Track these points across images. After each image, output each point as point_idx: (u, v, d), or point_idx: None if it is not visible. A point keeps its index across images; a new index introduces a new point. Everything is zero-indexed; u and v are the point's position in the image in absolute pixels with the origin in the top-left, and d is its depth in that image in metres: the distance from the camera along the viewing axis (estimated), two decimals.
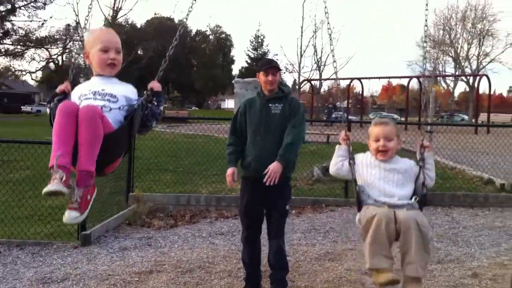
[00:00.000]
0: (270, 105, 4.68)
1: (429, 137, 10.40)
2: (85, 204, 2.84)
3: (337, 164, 3.72)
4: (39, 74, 63.11)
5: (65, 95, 3.14)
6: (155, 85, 3.27)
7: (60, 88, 3.15)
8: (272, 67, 4.70)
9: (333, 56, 4.16)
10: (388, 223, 3.23)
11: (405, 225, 3.24)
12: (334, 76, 35.55)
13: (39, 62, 54.45)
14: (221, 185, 9.78)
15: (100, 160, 2.85)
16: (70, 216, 2.77)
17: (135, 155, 8.95)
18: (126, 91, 3.17)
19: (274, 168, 4.44)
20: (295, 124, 4.61)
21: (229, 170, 4.71)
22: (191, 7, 3.89)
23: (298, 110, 4.70)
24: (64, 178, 2.65)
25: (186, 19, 4.08)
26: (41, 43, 50.00)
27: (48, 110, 3.14)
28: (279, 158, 4.47)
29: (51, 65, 58.51)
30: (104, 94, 3.06)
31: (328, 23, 4.13)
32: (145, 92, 3.21)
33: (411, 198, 3.51)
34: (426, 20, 3.95)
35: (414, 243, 3.23)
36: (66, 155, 2.72)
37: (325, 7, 4.21)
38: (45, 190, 2.62)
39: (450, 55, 60.16)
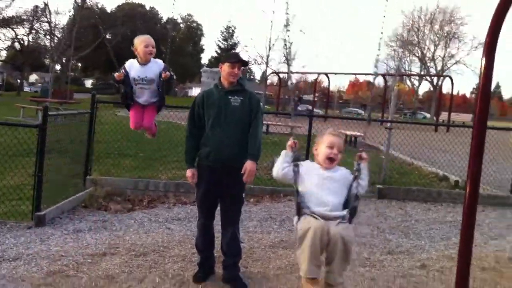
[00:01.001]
0: (230, 97, 4.73)
1: (389, 133, 10.57)
2: (154, 135, 5.63)
3: (283, 169, 3.88)
4: (4, 53, 61.73)
5: (124, 78, 4.92)
6: (165, 75, 4.92)
7: (118, 77, 4.93)
8: (240, 61, 4.78)
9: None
10: (322, 236, 3.51)
11: (333, 241, 3.53)
12: (302, 70, 35.75)
13: (4, 42, 53.30)
14: (181, 172, 9.76)
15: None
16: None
17: (95, 139, 8.86)
18: (158, 69, 4.95)
19: (250, 167, 4.61)
20: (258, 121, 4.76)
21: (189, 172, 4.83)
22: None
23: (259, 106, 4.85)
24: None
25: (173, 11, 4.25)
26: (7, 22, 48.86)
27: (122, 91, 5.09)
28: (252, 158, 4.64)
29: (16, 45, 57.24)
30: (148, 80, 4.95)
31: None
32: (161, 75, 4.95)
33: (343, 209, 3.76)
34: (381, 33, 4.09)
35: (337, 257, 3.57)
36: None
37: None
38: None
39: (417, 55, 61.13)
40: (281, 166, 3.89)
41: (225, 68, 4.76)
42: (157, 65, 5.01)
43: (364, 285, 5.01)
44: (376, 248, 6.31)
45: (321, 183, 3.77)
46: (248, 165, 4.60)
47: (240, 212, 4.96)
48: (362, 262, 5.71)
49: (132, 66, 4.99)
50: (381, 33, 4.25)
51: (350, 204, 3.77)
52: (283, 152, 3.95)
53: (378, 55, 4.31)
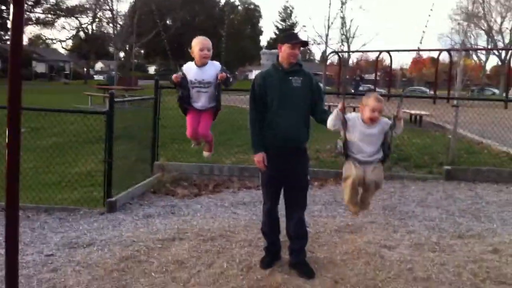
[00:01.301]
0: (290, 77, 4.69)
1: (455, 110, 10.25)
2: (211, 147, 5.51)
3: (334, 125, 4.52)
4: (69, 42, 63.72)
5: (181, 80, 4.88)
6: (221, 76, 4.81)
7: (174, 79, 4.90)
8: (300, 42, 4.73)
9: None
10: (358, 183, 4.50)
11: (367, 184, 4.51)
12: (362, 49, 35.12)
13: (69, 31, 55.18)
14: (244, 156, 9.86)
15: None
16: (206, 155, 5.60)
17: (160, 124, 9.04)
18: (215, 72, 4.85)
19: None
20: (321, 97, 4.88)
21: (258, 156, 4.75)
22: None
23: (319, 87, 4.90)
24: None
25: None
26: (71, 12, 50.40)
27: (179, 93, 4.99)
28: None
29: (81, 34, 58.99)
30: (204, 83, 4.86)
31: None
32: (218, 80, 4.87)
33: (378, 154, 4.57)
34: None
35: (371, 194, 4.70)
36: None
37: None
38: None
39: (483, 28, 58.83)
40: (333, 123, 4.51)
41: (285, 49, 4.69)
42: (214, 67, 4.91)
43: (433, 271, 4.90)
44: (445, 232, 6.16)
45: (362, 138, 4.49)
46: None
47: (306, 196, 4.95)
48: (431, 246, 5.59)
49: (189, 69, 4.94)
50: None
51: (384, 151, 4.58)
52: (335, 111, 4.48)
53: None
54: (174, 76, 4.90)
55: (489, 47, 57.98)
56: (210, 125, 5.12)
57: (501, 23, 58.25)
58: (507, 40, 57.98)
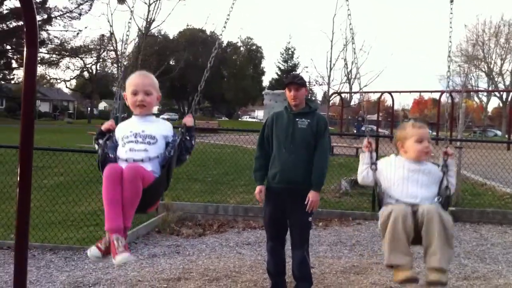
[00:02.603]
0: (297, 119, 4.80)
1: (459, 152, 10.32)
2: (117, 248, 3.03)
3: (362, 172, 3.70)
4: (73, 82, 64.43)
5: (110, 132, 3.40)
6: (187, 120, 3.50)
7: (105, 126, 3.42)
8: (292, 83, 4.83)
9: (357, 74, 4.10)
10: (405, 219, 3.18)
11: (428, 216, 3.16)
12: (364, 90, 35.48)
13: (73, 71, 55.90)
14: (249, 196, 9.88)
15: (142, 204, 3.13)
16: (122, 258, 3.01)
17: None
18: (164, 129, 3.38)
19: (314, 198, 4.69)
20: (323, 145, 4.79)
21: (257, 189, 4.92)
22: (226, 23, 4.06)
23: (325, 129, 4.86)
24: (124, 243, 3.04)
25: (221, 34, 4.32)
26: (75, 52, 51.15)
27: (96, 147, 3.39)
28: (315, 188, 4.71)
29: (85, 73, 59.72)
30: (144, 136, 3.28)
31: (353, 38, 4.10)
32: (179, 129, 3.45)
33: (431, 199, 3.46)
34: (450, 37, 3.92)
35: (437, 235, 3.14)
36: (118, 219, 3.03)
37: (350, 24, 4.20)
38: (116, 261, 3.02)
39: (483, 70, 59.40)
40: (361, 169, 3.70)
41: (286, 92, 4.87)
42: (163, 124, 3.46)
43: None
44: (451, 273, 6.13)
45: (408, 176, 3.48)
46: (311, 195, 4.68)
47: (307, 235, 4.94)
48: None
49: (123, 125, 3.45)
50: (449, 47, 3.98)
51: (442, 196, 3.46)
52: (360, 155, 3.77)
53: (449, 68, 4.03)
54: (106, 123, 3.49)
55: (490, 88, 58.41)
56: (146, 175, 3.12)
57: (501, 65, 58.81)
58: (507, 82, 58.44)
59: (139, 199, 3.04)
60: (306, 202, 4.64)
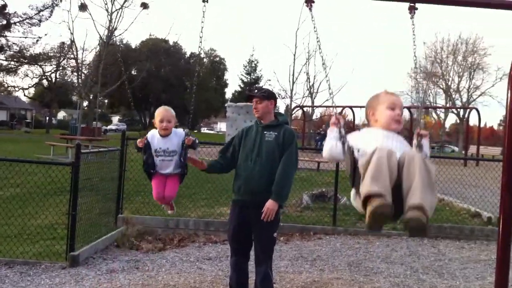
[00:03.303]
0: (265, 132, 4.82)
1: None
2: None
3: (331, 144, 3.39)
4: (32, 90, 63.02)
5: (145, 146, 4.70)
6: (188, 139, 4.61)
7: (139, 144, 4.70)
8: (252, 95, 4.93)
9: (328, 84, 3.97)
10: (390, 156, 2.96)
11: (409, 158, 2.99)
12: (326, 103, 35.74)
13: (32, 79, 54.48)
14: (210, 210, 9.83)
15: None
16: (170, 212, 5.21)
17: (125, 176, 8.96)
18: (179, 140, 4.68)
19: (270, 206, 4.62)
20: (287, 156, 4.76)
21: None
22: (201, 37, 4.34)
23: (292, 142, 4.83)
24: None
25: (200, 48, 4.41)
26: (35, 59, 50.01)
27: (144, 159, 4.76)
28: (274, 197, 4.64)
29: (44, 82, 58.47)
30: (169, 152, 4.69)
31: (321, 51, 3.98)
32: (183, 145, 4.67)
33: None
34: (415, 52, 3.90)
35: (418, 174, 2.92)
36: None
37: (317, 37, 4.05)
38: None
39: (441, 87, 60.84)
40: (329, 144, 3.39)
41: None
42: (177, 136, 4.78)
43: None
44: None
45: (383, 139, 3.26)
46: (268, 203, 4.62)
47: (271, 251, 4.94)
48: None
49: (153, 137, 4.80)
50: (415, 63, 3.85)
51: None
52: (328, 130, 3.49)
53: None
54: (138, 141, 4.78)
55: (448, 105, 59.80)
56: (176, 189, 4.87)
57: (459, 82, 60.36)
58: (464, 99, 59.97)
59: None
60: (262, 211, 4.60)
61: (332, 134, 3.40)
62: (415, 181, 2.89)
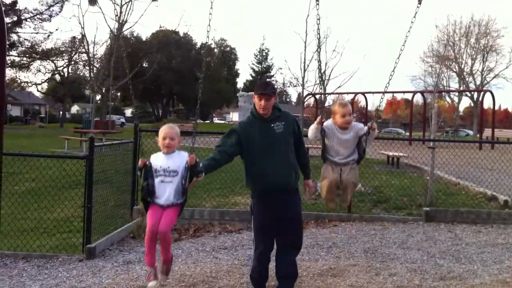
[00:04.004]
0: (272, 125, 4.78)
1: (432, 152, 10.42)
2: (169, 270, 4.94)
3: (314, 132, 5.02)
4: (45, 85, 63.42)
5: (145, 167, 4.60)
6: (190, 159, 4.51)
7: (140, 164, 4.62)
8: (264, 94, 4.73)
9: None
10: (335, 184, 5.01)
11: (345, 184, 5.02)
12: (338, 90, 35.52)
13: (44, 74, 54.83)
14: (225, 199, 9.84)
15: None
16: (153, 285, 4.70)
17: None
18: (181, 162, 4.59)
19: (310, 184, 5.22)
20: (302, 141, 5.04)
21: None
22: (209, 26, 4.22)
23: (299, 126, 5.03)
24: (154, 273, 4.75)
25: (207, 41, 4.43)
26: (46, 55, 50.27)
27: (142, 182, 4.67)
28: (308, 176, 5.18)
29: (57, 76, 58.78)
30: (170, 171, 4.57)
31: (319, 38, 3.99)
32: (186, 168, 4.57)
33: (352, 156, 5.07)
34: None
35: (349, 191, 5.10)
36: (153, 258, 4.75)
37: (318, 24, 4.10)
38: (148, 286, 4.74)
39: (454, 70, 60.29)
40: (314, 135, 5.03)
41: (255, 99, 4.80)
42: (180, 156, 4.66)
43: None
44: (427, 274, 6.17)
45: (339, 142, 4.98)
46: (308, 182, 5.15)
47: (302, 237, 5.04)
48: None
49: (156, 157, 4.73)
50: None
51: (359, 153, 5.05)
52: (313, 126, 5.02)
53: None
54: (140, 160, 4.68)
55: (461, 88, 59.30)
56: (173, 223, 4.68)
57: (472, 65, 59.83)
58: (478, 82, 59.43)
59: (171, 243, 4.73)
60: (306, 191, 5.20)
61: (317, 129, 5.00)
62: (347, 192, 5.14)
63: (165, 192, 4.57)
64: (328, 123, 5.02)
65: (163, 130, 4.74)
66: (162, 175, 4.57)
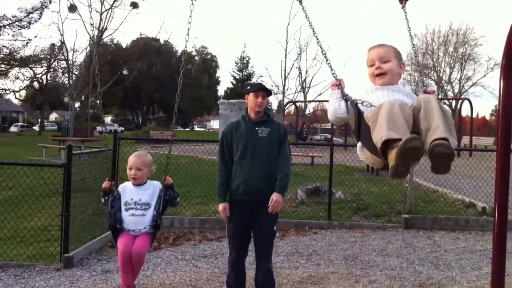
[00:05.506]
0: (257, 128, 4.77)
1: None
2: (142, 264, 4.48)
3: (334, 104, 3.24)
4: (23, 93, 62.75)
5: (111, 191, 4.39)
6: (167, 180, 4.44)
7: (104, 186, 4.39)
8: (263, 89, 4.85)
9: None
10: (402, 106, 2.72)
11: (425, 101, 2.76)
12: (318, 98, 35.78)
13: (23, 81, 54.21)
14: (205, 207, 9.80)
15: None
16: None
17: (119, 176, 8.90)
18: (154, 193, 4.41)
19: (277, 198, 4.67)
20: (285, 151, 4.83)
21: (221, 207, 4.84)
22: (188, 34, 4.29)
23: (285, 136, 4.91)
24: None
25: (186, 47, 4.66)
26: (25, 62, 49.73)
27: (108, 209, 4.42)
28: (279, 190, 4.69)
29: (35, 84, 58.21)
30: (141, 204, 4.35)
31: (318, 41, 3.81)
32: (162, 186, 4.44)
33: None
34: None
35: (437, 115, 2.69)
36: (130, 279, 4.39)
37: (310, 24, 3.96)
38: None
39: (433, 78, 60.94)
40: (332, 105, 3.25)
41: (250, 98, 4.82)
42: (153, 187, 4.48)
43: None
44: (406, 281, 6.21)
45: (390, 94, 3.09)
46: (275, 196, 4.65)
47: (272, 246, 4.94)
48: None
49: (125, 188, 4.48)
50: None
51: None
52: (329, 92, 3.38)
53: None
54: (106, 181, 4.46)
55: (440, 97, 59.88)
56: (148, 246, 4.42)
57: (450, 73, 60.48)
58: (456, 90, 60.11)
59: (142, 264, 4.45)
60: (269, 204, 4.62)
61: (334, 95, 3.28)
62: (435, 121, 2.66)
63: (136, 224, 4.36)
64: (363, 89, 3.29)
65: (130, 159, 4.48)
66: (133, 209, 4.34)
